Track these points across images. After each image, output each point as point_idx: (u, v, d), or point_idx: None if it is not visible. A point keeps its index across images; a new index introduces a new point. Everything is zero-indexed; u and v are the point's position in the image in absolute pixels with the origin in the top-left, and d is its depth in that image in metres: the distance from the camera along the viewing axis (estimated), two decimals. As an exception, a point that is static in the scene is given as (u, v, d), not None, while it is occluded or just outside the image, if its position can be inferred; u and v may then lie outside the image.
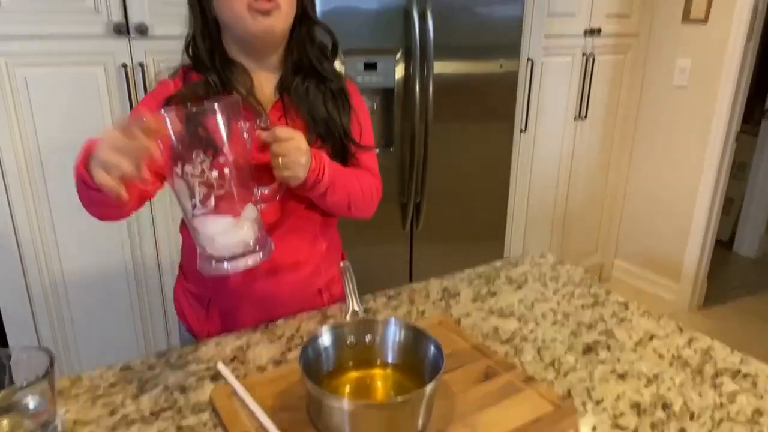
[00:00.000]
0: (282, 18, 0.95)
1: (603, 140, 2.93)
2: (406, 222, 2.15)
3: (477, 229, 2.36)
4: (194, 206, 0.80)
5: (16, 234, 1.69)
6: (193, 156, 0.77)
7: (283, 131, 0.90)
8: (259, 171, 0.92)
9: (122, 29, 1.66)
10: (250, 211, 0.85)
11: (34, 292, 1.76)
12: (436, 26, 1.94)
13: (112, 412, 0.79)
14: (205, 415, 0.79)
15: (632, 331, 1.02)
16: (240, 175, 0.82)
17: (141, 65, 1.71)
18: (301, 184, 0.95)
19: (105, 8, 1.64)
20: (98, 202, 0.84)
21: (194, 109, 0.77)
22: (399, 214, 2.14)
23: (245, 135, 0.84)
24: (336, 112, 1.04)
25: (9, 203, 1.66)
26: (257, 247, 0.84)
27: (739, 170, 3.42)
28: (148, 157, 0.71)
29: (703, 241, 2.82)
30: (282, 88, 1.02)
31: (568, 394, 0.84)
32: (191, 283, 1.11)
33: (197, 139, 0.78)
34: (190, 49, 0.99)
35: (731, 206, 3.56)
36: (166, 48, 1.71)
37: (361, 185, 1.07)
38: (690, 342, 0.98)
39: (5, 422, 0.67)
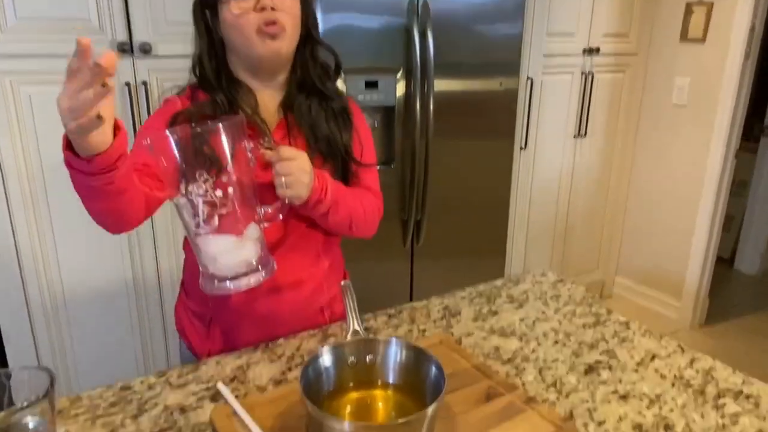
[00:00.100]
0: (287, 40, 0.96)
1: (603, 158, 2.94)
2: (407, 238, 2.16)
3: (478, 245, 2.36)
4: (198, 225, 0.80)
5: (17, 250, 1.69)
6: (198, 175, 0.78)
7: (287, 151, 0.91)
8: (262, 190, 0.93)
9: (126, 48, 1.68)
10: (253, 230, 0.85)
11: (34, 309, 1.76)
12: (436, 45, 1.96)
13: (112, 433, 0.79)
14: (205, 436, 0.78)
15: (634, 350, 1.01)
16: (244, 195, 0.83)
17: (144, 83, 1.72)
18: (304, 204, 0.95)
19: (110, 27, 1.66)
20: (93, 190, 0.78)
21: (199, 129, 0.78)
22: (400, 230, 2.14)
23: (249, 154, 0.84)
24: (337, 131, 1.05)
25: (11, 220, 1.66)
26: (260, 266, 0.84)
27: (739, 187, 3.43)
28: (99, 93, 0.66)
29: (704, 259, 2.81)
30: (286, 107, 1.03)
31: (570, 415, 0.83)
32: (193, 301, 1.11)
33: (202, 159, 0.78)
34: (197, 69, 1.01)
35: (732, 223, 3.56)
36: (169, 66, 1.73)
37: (363, 205, 1.07)
38: (692, 362, 0.98)
39: (4, 443, 0.66)
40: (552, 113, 2.64)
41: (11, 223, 1.67)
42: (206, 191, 0.78)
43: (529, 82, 2.40)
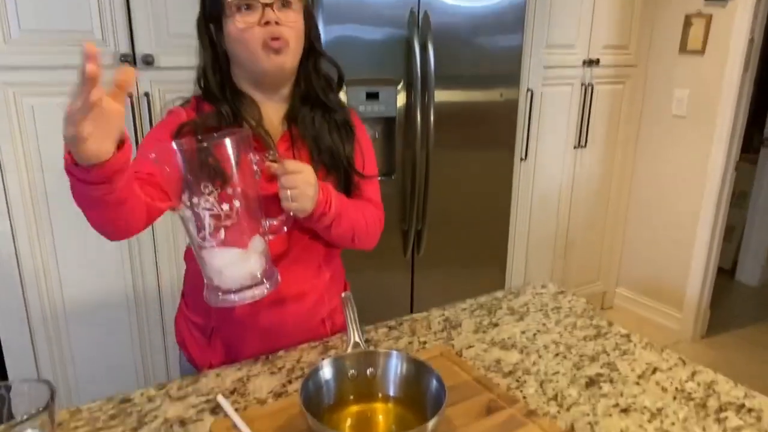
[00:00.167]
0: (292, 55, 0.98)
1: (603, 169, 2.95)
2: (408, 249, 2.16)
3: (478, 256, 2.36)
4: (204, 238, 0.81)
5: (18, 261, 1.70)
6: (203, 187, 0.78)
7: (292, 164, 0.92)
8: (267, 202, 0.93)
9: (129, 60, 1.69)
10: (258, 243, 0.85)
11: (34, 319, 1.76)
12: (437, 56, 1.97)
13: (111, 446, 0.78)
14: (205, 450, 0.78)
15: (635, 363, 1.01)
16: (249, 207, 0.83)
17: (147, 95, 1.73)
18: (308, 216, 0.96)
19: (113, 39, 1.67)
20: (93, 200, 0.78)
21: (205, 143, 0.79)
22: (400, 241, 2.14)
23: (255, 167, 0.85)
24: (340, 142, 1.06)
25: (12, 231, 1.67)
26: (264, 279, 0.85)
27: (739, 198, 3.43)
28: (82, 108, 0.66)
29: (705, 270, 2.81)
30: (290, 119, 1.04)
31: (571, 429, 0.83)
32: (194, 313, 1.11)
33: (208, 171, 0.79)
34: (201, 81, 1.02)
35: (732, 234, 3.56)
36: (171, 78, 1.74)
37: (365, 217, 1.08)
38: (693, 375, 0.97)
39: (4, 456, 0.66)
40: (552, 124, 2.65)
41: (12, 234, 1.67)
42: (213, 204, 0.78)
43: (530, 93, 2.41)
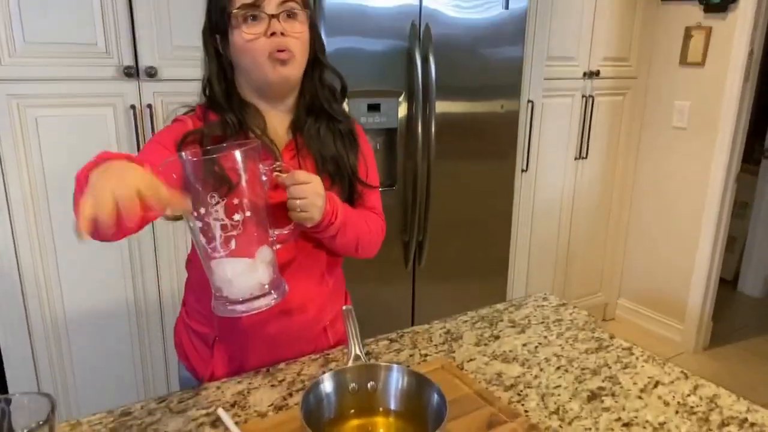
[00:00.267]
0: (297, 66, 0.98)
1: (604, 180, 2.95)
2: (409, 260, 2.16)
3: (480, 267, 2.36)
4: (213, 248, 0.81)
5: (19, 271, 1.70)
6: (214, 199, 0.78)
7: (302, 175, 0.92)
8: (273, 212, 0.94)
9: (132, 72, 1.70)
10: (266, 253, 0.85)
11: (35, 330, 1.75)
12: (438, 68, 1.98)
13: (111, 460, 0.78)
14: (205, 464, 0.78)
15: (637, 377, 1.01)
16: (258, 217, 0.84)
17: (149, 106, 1.74)
18: (315, 226, 0.96)
19: (116, 52, 1.68)
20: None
21: (215, 154, 0.79)
22: (401, 252, 2.14)
23: (264, 178, 0.86)
24: (345, 152, 1.07)
25: (14, 241, 1.67)
26: (272, 289, 0.85)
27: (740, 209, 3.43)
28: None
29: (707, 281, 2.80)
30: (295, 128, 1.05)
31: (573, 443, 0.83)
32: (196, 322, 1.11)
33: (217, 182, 0.79)
34: (207, 91, 1.02)
35: (734, 245, 3.56)
36: (173, 90, 1.75)
37: (369, 226, 1.09)
38: (695, 389, 0.97)
39: (3, 471, 0.66)
40: (553, 136, 2.66)
41: (14, 244, 1.67)
42: (223, 215, 0.79)
43: (530, 104, 2.42)
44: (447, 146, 2.11)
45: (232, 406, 0.91)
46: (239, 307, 0.82)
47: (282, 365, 1.03)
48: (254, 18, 0.94)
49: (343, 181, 1.06)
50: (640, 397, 0.94)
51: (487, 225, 2.34)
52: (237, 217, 0.80)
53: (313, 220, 0.94)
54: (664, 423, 0.87)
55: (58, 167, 1.67)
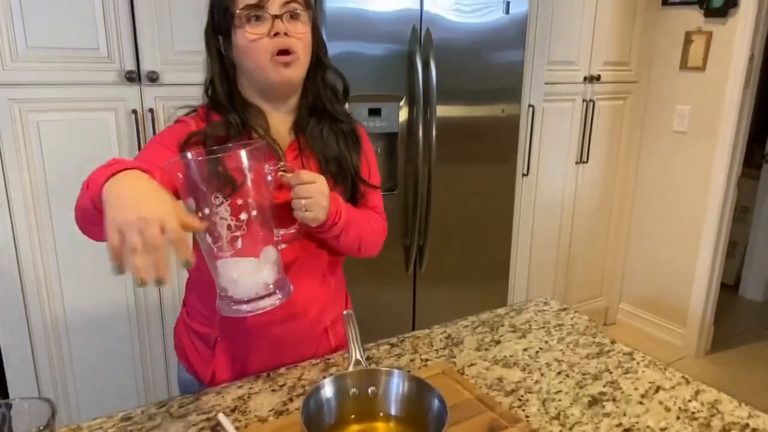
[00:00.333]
0: (300, 67, 0.99)
1: (605, 184, 2.95)
2: (410, 264, 2.15)
3: (480, 271, 2.36)
4: (219, 248, 0.81)
5: (20, 274, 1.70)
6: (219, 199, 0.79)
7: (307, 175, 0.93)
8: (278, 211, 0.94)
9: (134, 77, 1.71)
10: (271, 253, 0.86)
11: (35, 330, 1.76)
12: (438, 72, 1.99)
13: (111, 465, 0.78)
14: (205, 469, 0.77)
15: (638, 382, 1.00)
16: (263, 217, 0.84)
17: (151, 111, 1.75)
18: (319, 226, 0.97)
19: (118, 57, 1.69)
20: (92, 220, 0.79)
21: (220, 155, 0.79)
22: (402, 256, 2.14)
23: (269, 178, 0.86)
24: (347, 152, 1.07)
25: (16, 245, 1.67)
26: (277, 289, 0.85)
27: (741, 213, 3.43)
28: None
29: (708, 285, 2.80)
30: (298, 129, 1.05)
31: (574, 449, 0.83)
32: (197, 322, 1.10)
33: (222, 183, 0.79)
34: (209, 92, 1.03)
35: (735, 250, 3.55)
36: (175, 94, 1.75)
37: (372, 226, 1.10)
38: (697, 394, 0.97)
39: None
40: (554, 140, 2.66)
41: (16, 247, 1.67)
42: (228, 215, 0.79)
43: (531, 109, 2.42)
44: (448, 150, 2.11)
45: (233, 411, 0.91)
46: (244, 307, 0.82)
47: (282, 370, 1.03)
48: (257, 18, 0.94)
49: (346, 181, 1.07)
50: (641, 403, 0.94)
51: (487, 229, 2.34)
52: (242, 216, 0.80)
53: (317, 219, 0.95)
54: (666, 429, 0.87)
55: (59, 171, 1.68)
